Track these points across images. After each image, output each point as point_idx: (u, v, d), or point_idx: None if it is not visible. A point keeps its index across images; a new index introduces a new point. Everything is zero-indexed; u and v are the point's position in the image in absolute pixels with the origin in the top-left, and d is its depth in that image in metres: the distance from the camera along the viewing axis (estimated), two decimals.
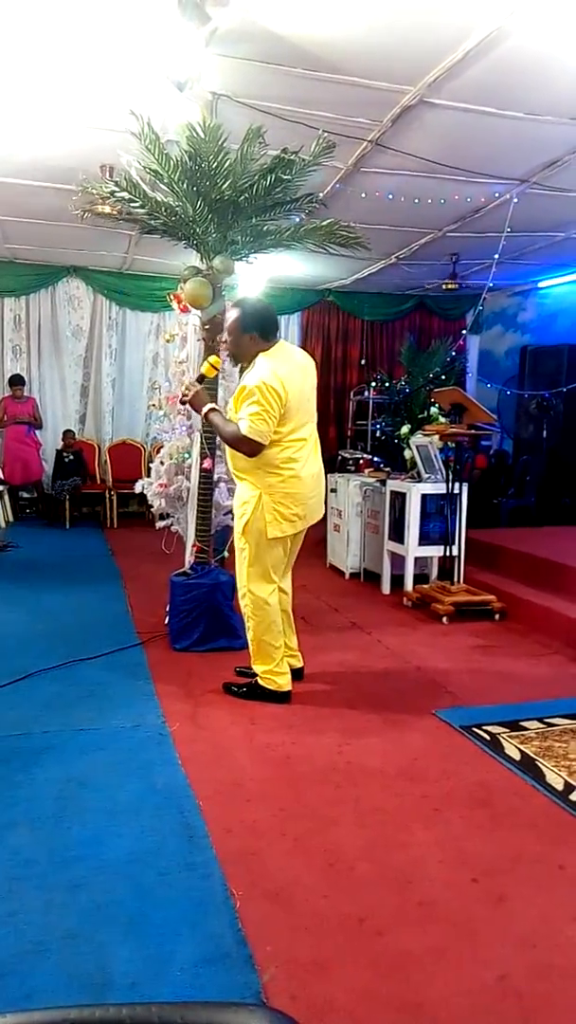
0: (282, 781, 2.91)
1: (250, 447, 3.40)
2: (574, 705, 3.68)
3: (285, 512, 3.52)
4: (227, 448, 3.61)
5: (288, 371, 3.47)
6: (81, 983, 1.83)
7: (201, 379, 3.76)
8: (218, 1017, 0.63)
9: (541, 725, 3.44)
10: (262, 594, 3.63)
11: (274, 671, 3.67)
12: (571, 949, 2.01)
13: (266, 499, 3.49)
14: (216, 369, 3.83)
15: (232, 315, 3.58)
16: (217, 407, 3.67)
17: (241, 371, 3.83)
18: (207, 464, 4.43)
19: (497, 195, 5.90)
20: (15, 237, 7.83)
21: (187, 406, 3.93)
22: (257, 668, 3.71)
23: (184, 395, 3.76)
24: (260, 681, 3.69)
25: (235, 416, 3.50)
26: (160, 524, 5.14)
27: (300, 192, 4.20)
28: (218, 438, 3.82)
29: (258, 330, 3.52)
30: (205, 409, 3.60)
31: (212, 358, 3.81)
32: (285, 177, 3.99)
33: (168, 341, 5.37)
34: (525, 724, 3.44)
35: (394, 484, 5.91)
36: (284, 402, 3.38)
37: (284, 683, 3.68)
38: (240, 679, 3.85)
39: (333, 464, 7.87)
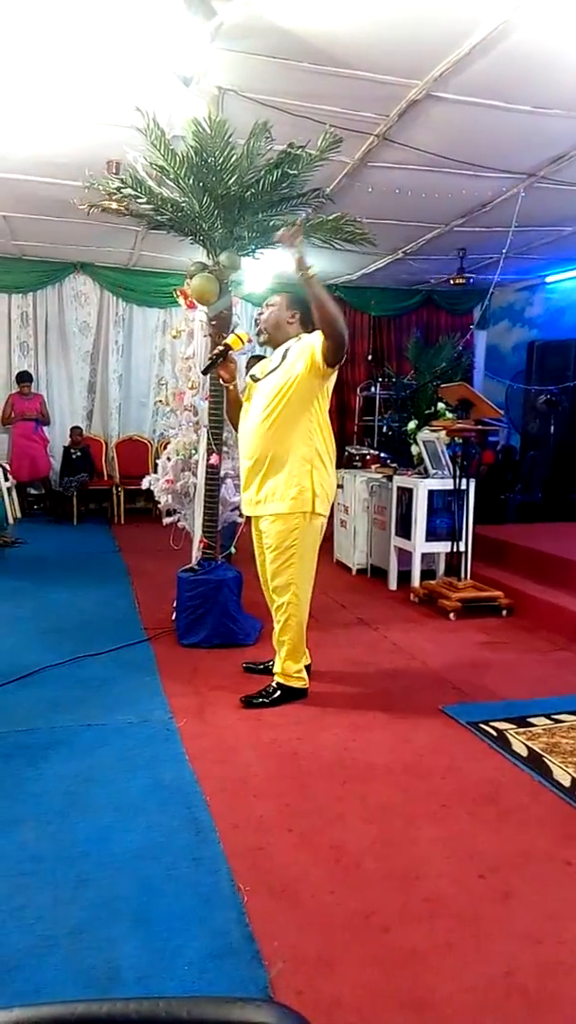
0: (289, 777, 2.91)
1: (343, 325, 3.33)
2: None
3: (328, 488, 3.55)
4: (284, 421, 3.45)
5: None
6: (88, 978, 1.84)
7: (226, 350, 3.64)
8: (225, 1012, 0.63)
9: (548, 721, 3.43)
10: (308, 590, 3.62)
11: (301, 669, 3.67)
12: None
13: (317, 471, 3.49)
14: (242, 342, 3.71)
15: (281, 293, 3.64)
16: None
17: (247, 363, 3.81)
18: (214, 460, 4.43)
19: (504, 190, 5.87)
20: (22, 233, 7.84)
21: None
22: (289, 668, 3.64)
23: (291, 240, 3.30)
24: (286, 681, 3.63)
25: (236, 388, 3.56)
26: (167, 520, 5.14)
27: (306, 187, 4.19)
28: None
29: (302, 313, 3.54)
30: (311, 271, 3.31)
31: (240, 332, 3.76)
32: (291, 172, 3.98)
33: (175, 337, 5.37)
34: (532, 720, 3.43)
35: (401, 480, 5.90)
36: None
37: (306, 678, 3.69)
38: (253, 685, 3.72)
39: (340, 460, 7.87)
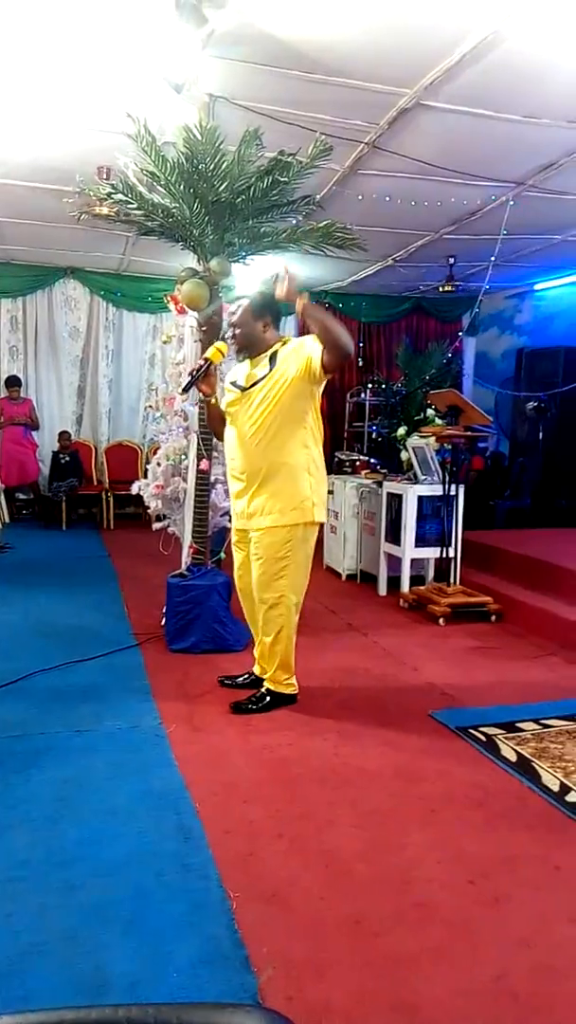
0: (279, 782, 2.91)
1: (349, 338, 3.25)
2: (570, 706, 3.69)
3: (323, 494, 3.53)
4: (279, 430, 3.39)
5: None
6: (78, 984, 1.83)
7: (208, 365, 3.56)
8: (214, 1018, 0.64)
9: (537, 726, 3.44)
10: (298, 598, 3.58)
11: (291, 676, 3.66)
12: (568, 949, 2.01)
13: (313, 478, 3.46)
14: (223, 355, 3.64)
15: (241, 304, 3.50)
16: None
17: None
18: (204, 465, 4.43)
19: (494, 198, 5.91)
20: (12, 238, 7.83)
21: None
22: (279, 676, 3.61)
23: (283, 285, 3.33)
24: (276, 687, 3.61)
25: (217, 401, 3.55)
26: (157, 525, 5.13)
27: (297, 194, 4.20)
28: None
29: (271, 314, 3.48)
30: (302, 301, 3.28)
31: (219, 343, 3.66)
32: (282, 179, 3.99)
33: (165, 342, 5.37)
34: (521, 725, 3.45)
35: (391, 486, 5.91)
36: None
37: (295, 684, 3.67)
38: (239, 693, 3.70)
39: (330, 465, 7.87)
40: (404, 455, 6.14)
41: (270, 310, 3.49)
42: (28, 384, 9.35)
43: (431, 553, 5.80)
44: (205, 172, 3.87)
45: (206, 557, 4.56)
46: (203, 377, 3.57)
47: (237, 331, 3.52)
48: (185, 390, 3.82)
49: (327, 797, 2.80)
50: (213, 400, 3.73)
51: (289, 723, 3.46)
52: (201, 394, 3.75)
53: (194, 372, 3.60)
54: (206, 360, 3.59)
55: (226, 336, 3.93)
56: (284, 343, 3.50)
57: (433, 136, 4.80)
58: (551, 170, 5.27)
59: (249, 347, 3.54)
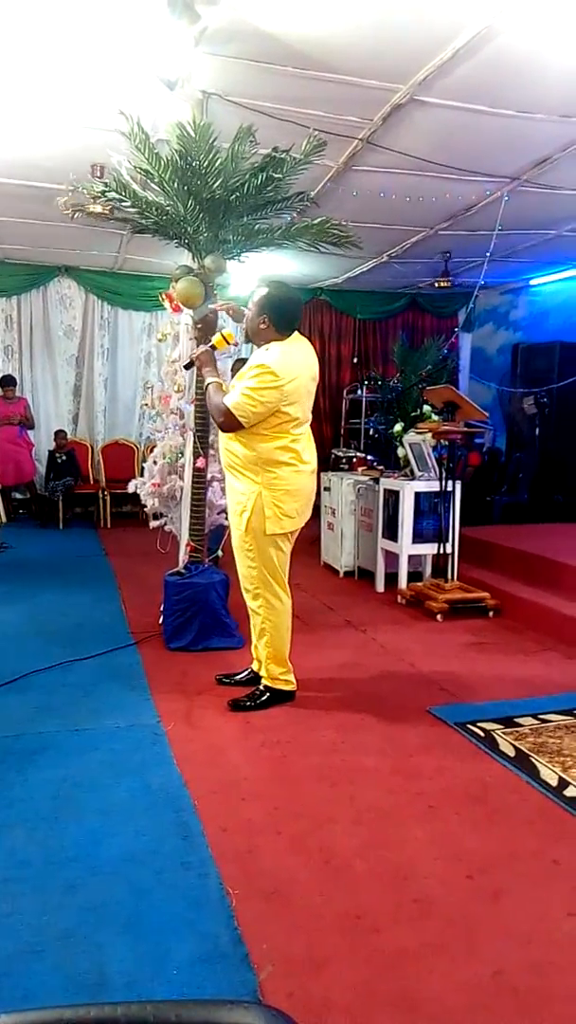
0: (277, 780, 2.91)
1: (229, 422, 3.36)
2: (568, 701, 3.70)
3: (285, 508, 3.45)
4: (225, 442, 3.54)
5: (296, 366, 3.43)
6: (78, 983, 1.83)
7: (212, 350, 3.69)
8: (214, 1015, 0.63)
9: (535, 721, 3.45)
10: (275, 595, 3.57)
11: (286, 671, 3.65)
12: (567, 944, 2.01)
13: (266, 495, 3.42)
14: (227, 342, 3.71)
15: (260, 291, 3.53)
16: (220, 379, 3.59)
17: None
18: (200, 463, 4.43)
19: (488, 193, 5.90)
20: (6, 237, 7.80)
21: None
22: (273, 671, 3.61)
23: (193, 358, 3.72)
24: (273, 684, 3.62)
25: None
26: (154, 524, 5.12)
27: (291, 191, 4.19)
28: (212, 437, 3.74)
29: (273, 316, 3.46)
30: (209, 379, 3.54)
31: (226, 331, 3.74)
32: (276, 176, 3.98)
33: (161, 340, 5.36)
34: (519, 721, 3.45)
35: (387, 482, 5.91)
36: (281, 395, 3.34)
37: (293, 680, 3.67)
38: (237, 690, 3.70)
39: (326, 462, 7.87)
40: (401, 451, 6.13)
41: (274, 311, 3.47)
42: (23, 383, 9.33)
43: (428, 549, 5.80)
44: (199, 169, 3.86)
45: (203, 555, 4.56)
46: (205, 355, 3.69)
47: (248, 312, 3.58)
48: (188, 367, 3.98)
49: (326, 794, 2.80)
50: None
51: (287, 720, 3.46)
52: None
53: (195, 357, 3.72)
54: (212, 347, 3.68)
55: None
56: (267, 350, 3.45)
57: (427, 132, 4.79)
58: (546, 165, 5.26)
59: (249, 334, 3.63)
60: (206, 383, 3.54)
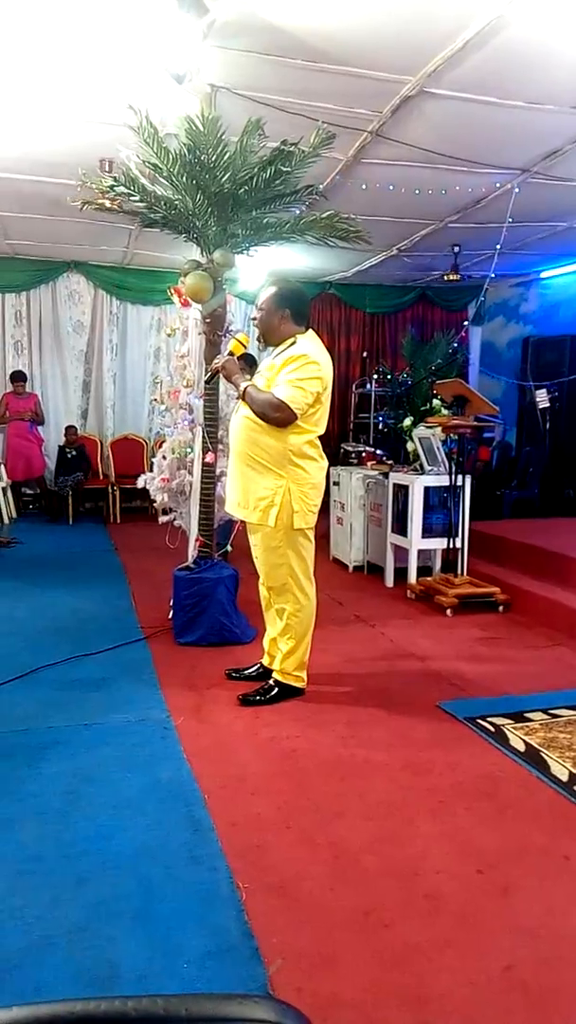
0: (287, 774, 2.91)
1: (285, 415, 3.29)
2: None
3: (311, 502, 3.46)
4: (251, 435, 3.43)
5: (325, 355, 3.46)
6: (88, 977, 1.84)
7: (232, 357, 3.62)
8: (224, 1009, 0.63)
9: (546, 716, 3.44)
10: (303, 590, 3.55)
11: (300, 669, 3.65)
12: None
13: (294, 489, 3.39)
14: (244, 346, 3.67)
15: (268, 290, 3.51)
16: (252, 381, 3.50)
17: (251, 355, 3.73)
18: (210, 458, 4.42)
19: (498, 185, 5.87)
20: (15, 233, 7.82)
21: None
22: (288, 667, 3.60)
23: (216, 366, 3.65)
24: (284, 679, 3.61)
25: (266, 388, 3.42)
26: (163, 519, 5.13)
27: (300, 184, 4.18)
28: (228, 426, 3.63)
29: (291, 309, 3.46)
30: (243, 384, 3.43)
31: (240, 335, 3.72)
32: (285, 169, 3.97)
33: (170, 335, 5.35)
34: (530, 715, 3.44)
35: (397, 477, 5.90)
36: (323, 384, 3.36)
37: (304, 678, 3.67)
38: (247, 685, 3.71)
39: (336, 457, 7.87)
40: (410, 446, 6.12)
41: (290, 304, 3.47)
42: (33, 379, 9.35)
43: (438, 544, 5.79)
44: (207, 163, 3.85)
45: (213, 550, 4.56)
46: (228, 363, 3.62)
47: (259, 314, 3.56)
48: (208, 382, 3.99)
49: (335, 789, 2.80)
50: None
51: (297, 715, 3.46)
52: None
53: (214, 370, 3.70)
54: (230, 354, 3.63)
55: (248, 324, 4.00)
56: (294, 343, 3.44)
57: (437, 124, 4.76)
58: (556, 156, 5.23)
59: (266, 334, 3.58)
60: (241, 388, 3.42)
